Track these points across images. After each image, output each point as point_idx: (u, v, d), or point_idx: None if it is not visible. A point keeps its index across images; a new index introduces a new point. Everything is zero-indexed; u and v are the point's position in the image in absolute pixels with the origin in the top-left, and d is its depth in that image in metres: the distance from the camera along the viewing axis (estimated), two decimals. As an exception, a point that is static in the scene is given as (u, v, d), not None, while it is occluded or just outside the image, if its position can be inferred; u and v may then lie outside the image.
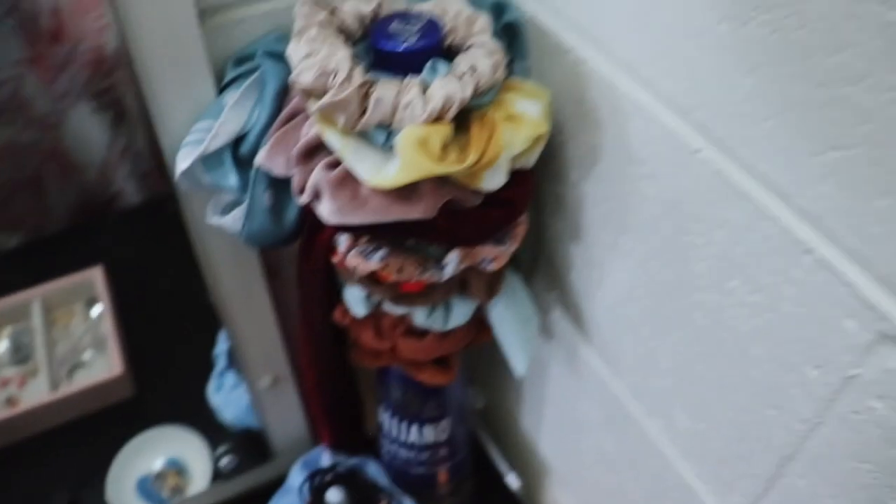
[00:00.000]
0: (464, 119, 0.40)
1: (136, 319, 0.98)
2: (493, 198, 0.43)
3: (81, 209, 1.01)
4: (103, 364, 0.94)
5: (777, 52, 0.31)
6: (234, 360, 0.82)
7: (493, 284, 0.48)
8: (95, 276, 1.02)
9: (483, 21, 0.43)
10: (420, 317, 0.49)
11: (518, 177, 0.43)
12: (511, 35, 0.48)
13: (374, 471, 0.71)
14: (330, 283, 0.53)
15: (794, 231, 0.34)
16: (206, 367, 0.88)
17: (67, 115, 0.80)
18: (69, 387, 0.90)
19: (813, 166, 0.31)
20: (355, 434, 0.73)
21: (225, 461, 0.75)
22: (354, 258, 0.44)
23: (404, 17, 0.42)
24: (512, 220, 0.45)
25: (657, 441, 0.51)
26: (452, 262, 0.44)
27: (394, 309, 0.49)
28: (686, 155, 0.39)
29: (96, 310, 1.01)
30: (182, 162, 0.48)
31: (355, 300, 0.50)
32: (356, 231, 0.43)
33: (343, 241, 0.46)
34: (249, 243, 0.50)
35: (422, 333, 0.51)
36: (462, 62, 0.39)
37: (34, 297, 1.00)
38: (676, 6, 0.36)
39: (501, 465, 0.72)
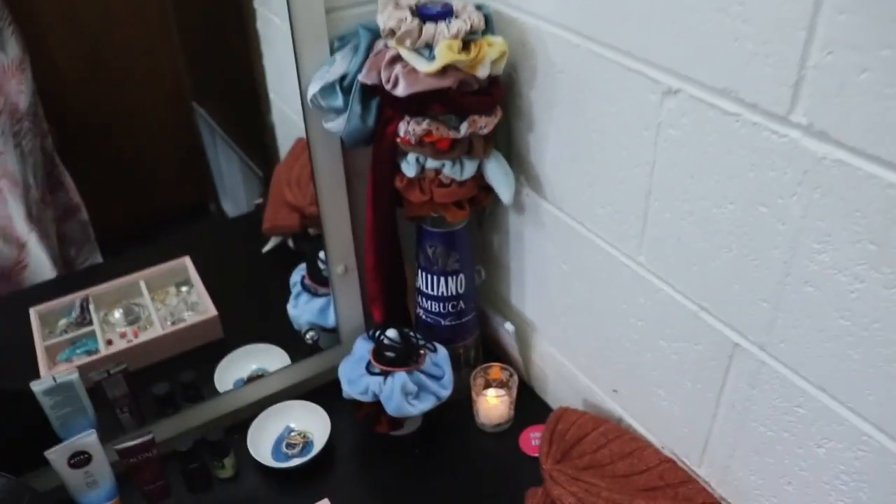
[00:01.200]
0: (466, 45, 0.81)
1: (218, 287, 1.31)
2: (482, 90, 0.83)
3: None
4: (200, 317, 1.26)
5: (603, -16, 0.72)
6: (304, 283, 1.15)
7: (486, 146, 0.87)
8: (186, 263, 1.36)
9: (472, 6, 0.85)
10: (447, 169, 0.87)
11: (493, 80, 0.84)
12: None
13: (414, 332, 1.04)
14: (392, 165, 0.90)
15: (641, 71, 0.73)
16: (277, 310, 1.21)
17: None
18: (177, 326, 1.22)
19: (660, 34, 0.71)
20: (400, 314, 1.07)
21: (311, 335, 1.08)
22: (413, 126, 0.82)
23: (434, 2, 0.83)
24: (493, 104, 0.85)
25: (588, 237, 0.87)
26: (464, 126, 0.83)
27: (432, 164, 0.87)
28: (579, 51, 0.79)
29: (185, 288, 1.34)
30: (311, 90, 0.87)
31: (409, 165, 0.88)
32: (412, 109, 0.82)
33: (402, 127, 0.85)
34: (347, 139, 0.88)
35: (448, 185, 0.88)
36: (464, 15, 0.80)
37: (140, 279, 1.33)
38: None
39: (497, 319, 1.06)
